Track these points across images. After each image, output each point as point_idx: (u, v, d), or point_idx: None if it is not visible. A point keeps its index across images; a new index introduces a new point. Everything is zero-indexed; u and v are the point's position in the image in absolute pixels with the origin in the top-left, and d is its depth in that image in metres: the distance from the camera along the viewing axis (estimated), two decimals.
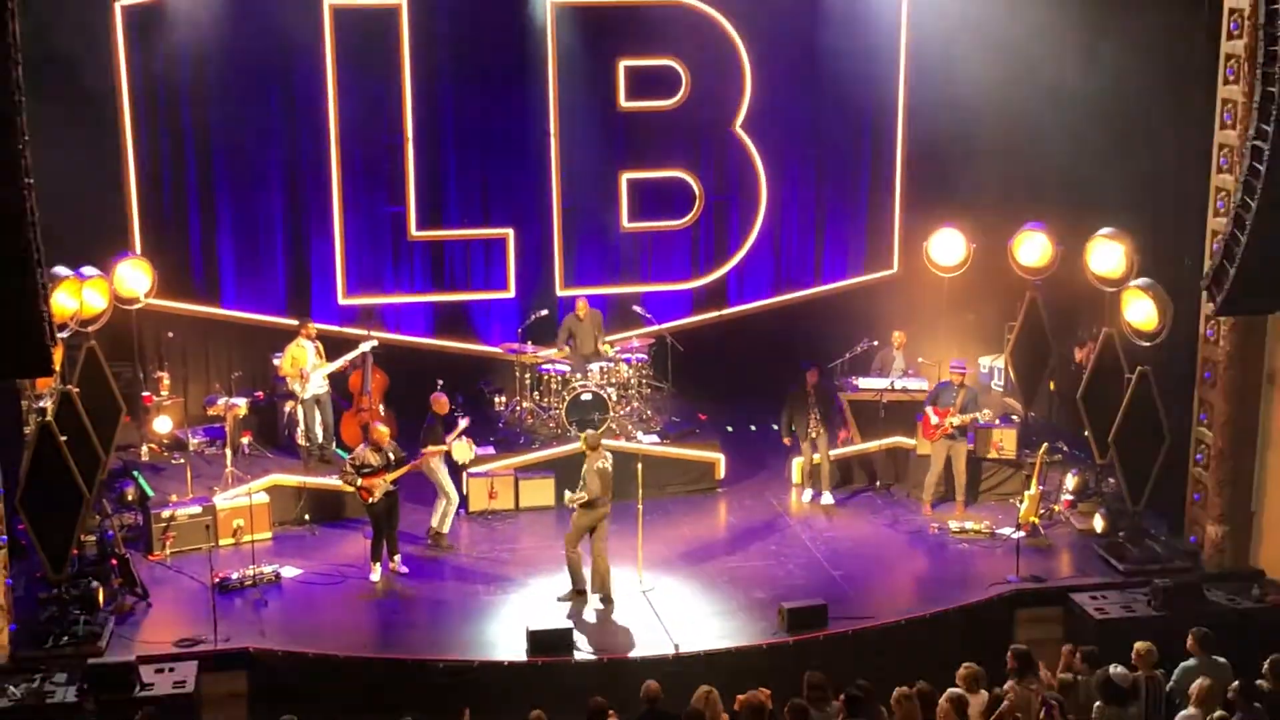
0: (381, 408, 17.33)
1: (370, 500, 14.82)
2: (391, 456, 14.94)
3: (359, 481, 14.78)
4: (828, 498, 16.97)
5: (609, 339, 18.43)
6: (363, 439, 16.72)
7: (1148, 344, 14.75)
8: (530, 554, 15.65)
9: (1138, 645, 11.66)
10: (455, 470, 16.28)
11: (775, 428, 17.66)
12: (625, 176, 19.06)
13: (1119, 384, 15.15)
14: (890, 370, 17.99)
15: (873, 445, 17.46)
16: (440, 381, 17.00)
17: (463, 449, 16.16)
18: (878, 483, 17.44)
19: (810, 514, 16.74)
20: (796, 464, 17.48)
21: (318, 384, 16.80)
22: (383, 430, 15.13)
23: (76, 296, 14.28)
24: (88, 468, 13.65)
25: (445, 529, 15.69)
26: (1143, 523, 15.26)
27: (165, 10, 17.29)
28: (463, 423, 15.94)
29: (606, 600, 14.37)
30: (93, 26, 16.90)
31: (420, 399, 15.98)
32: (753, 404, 17.39)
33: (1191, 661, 11.71)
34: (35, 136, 11.02)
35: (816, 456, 16.92)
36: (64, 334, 13.56)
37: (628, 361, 18.01)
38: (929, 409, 16.52)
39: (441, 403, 15.78)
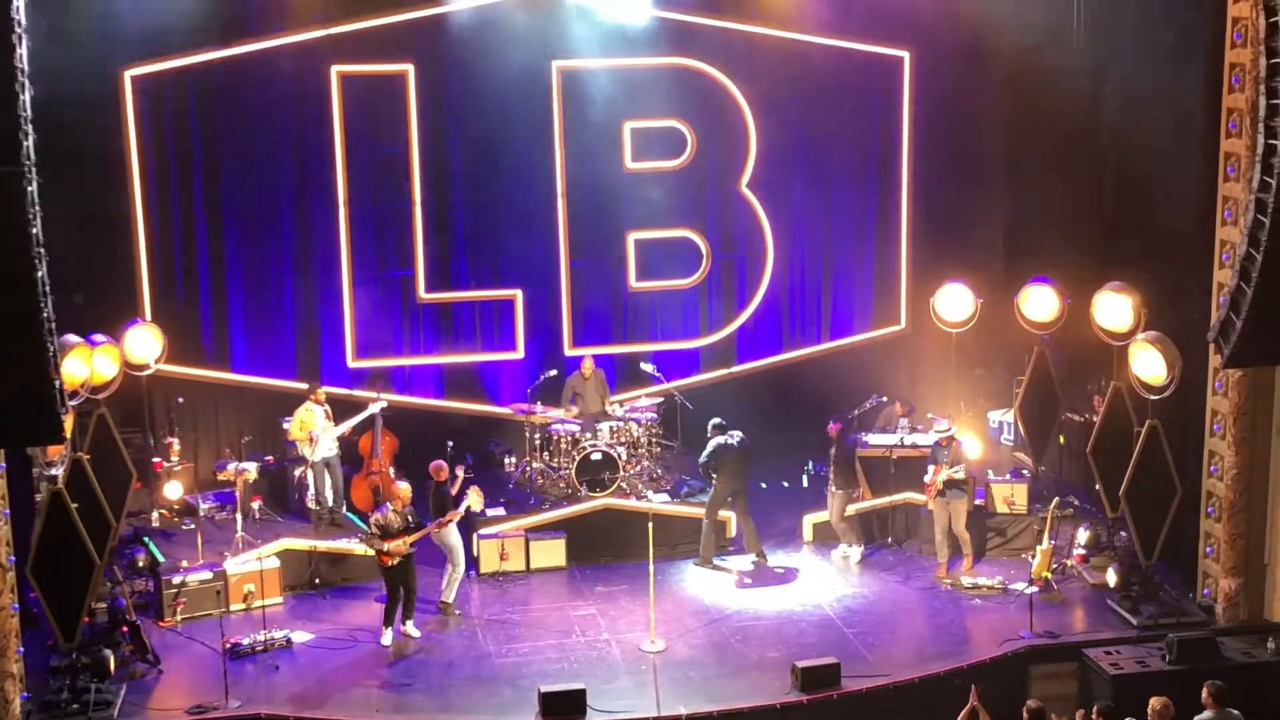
0: (392, 470, 17.34)
1: (390, 564, 14.78)
2: (410, 519, 14.91)
3: (384, 546, 14.72)
4: (855, 554, 16.87)
5: (617, 398, 18.47)
6: (373, 501, 16.75)
7: (1156, 397, 14.72)
8: (541, 615, 15.61)
9: (1153, 701, 11.58)
10: (466, 531, 16.24)
11: (785, 485, 17.63)
12: (632, 236, 19.14)
13: (1129, 438, 15.13)
14: (895, 427, 17.98)
15: (884, 501, 17.40)
16: (450, 443, 17.02)
17: (475, 498, 15.78)
18: (889, 539, 17.38)
19: (823, 571, 16.69)
20: (808, 521, 17.48)
21: (327, 447, 16.82)
22: (405, 489, 15.03)
23: (87, 363, 14.32)
24: (99, 535, 13.68)
25: (451, 598, 15.62)
26: (1156, 577, 15.21)
27: (174, 78, 17.46)
28: (459, 471, 15.75)
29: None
30: (102, 95, 17.03)
31: (430, 460, 15.93)
32: (762, 462, 17.38)
33: (1206, 714, 11.67)
34: (46, 205, 11.10)
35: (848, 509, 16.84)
36: (75, 401, 13.59)
37: (637, 421, 18.03)
38: (930, 468, 16.50)
39: (441, 470, 15.59)
